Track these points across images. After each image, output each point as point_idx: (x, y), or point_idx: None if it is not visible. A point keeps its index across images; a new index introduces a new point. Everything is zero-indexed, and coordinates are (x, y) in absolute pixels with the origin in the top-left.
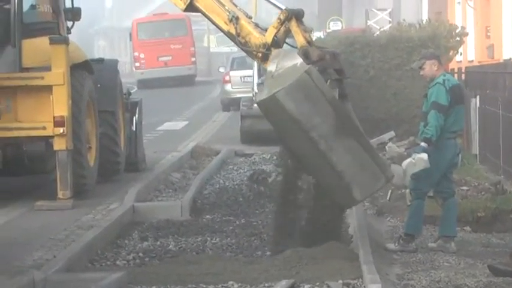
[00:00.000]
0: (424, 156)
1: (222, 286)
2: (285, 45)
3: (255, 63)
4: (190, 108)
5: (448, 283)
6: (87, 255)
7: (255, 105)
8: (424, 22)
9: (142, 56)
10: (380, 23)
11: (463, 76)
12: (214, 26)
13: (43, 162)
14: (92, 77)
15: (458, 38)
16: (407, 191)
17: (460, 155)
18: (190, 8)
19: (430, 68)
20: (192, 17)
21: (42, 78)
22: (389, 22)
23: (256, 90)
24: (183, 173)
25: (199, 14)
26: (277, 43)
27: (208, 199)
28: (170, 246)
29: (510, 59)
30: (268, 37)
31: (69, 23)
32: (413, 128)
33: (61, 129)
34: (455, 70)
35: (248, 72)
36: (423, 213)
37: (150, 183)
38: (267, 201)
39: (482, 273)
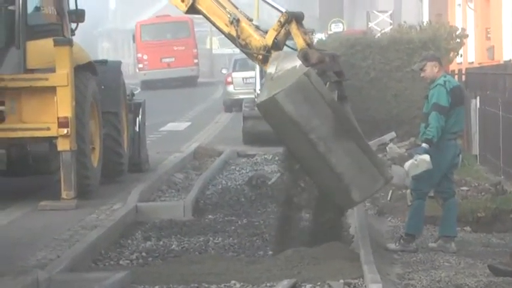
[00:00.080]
0: (427, 157)
1: (225, 286)
2: (285, 47)
3: (257, 65)
4: (193, 109)
5: (449, 283)
6: (90, 255)
7: None
8: (424, 24)
9: (145, 57)
10: (381, 25)
11: (463, 77)
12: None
13: (47, 163)
14: (96, 78)
15: (458, 40)
16: (408, 191)
17: (460, 156)
18: (192, 10)
19: (431, 69)
20: (194, 19)
21: (47, 79)
22: (390, 24)
23: (258, 91)
24: (186, 174)
25: (202, 16)
26: (277, 45)
27: (210, 199)
28: (173, 246)
29: (510, 60)
30: (269, 39)
31: (73, 25)
32: (413, 129)
33: (65, 130)
34: (456, 72)
35: (250, 73)
36: (424, 214)
37: (153, 184)
38: (268, 202)
39: (482, 273)
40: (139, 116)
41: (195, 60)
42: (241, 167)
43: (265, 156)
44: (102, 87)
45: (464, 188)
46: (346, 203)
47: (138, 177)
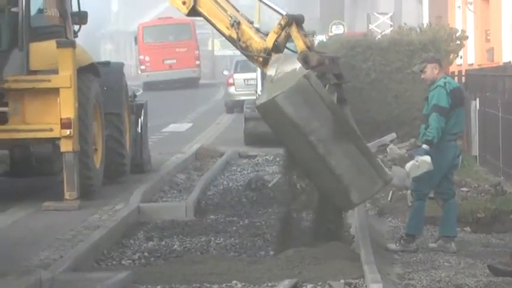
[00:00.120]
0: (428, 158)
1: (226, 285)
2: (285, 49)
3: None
4: (194, 111)
5: (449, 283)
6: (93, 255)
7: None
8: (424, 26)
9: (147, 58)
10: (381, 26)
11: (463, 79)
12: None
13: (50, 164)
14: (98, 80)
15: (458, 42)
16: (409, 192)
17: (460, 157)
18: (193, 12)
19: (431, 71)
20: (196, 21)
21: (50, 81)
22: (391, 26)
23: (259, 92)
24: (188, 174)
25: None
26: (277, 48)
27: (212, 200)
28: (175, 246)
29: (510, 62)
30: (269, 42)
31: (76, 27)
32: (414, 130)
33: (68, 131)
34: (456, 73)
35: (252, 75)
36: (424, 214)
37: (155, 184)
38: (269, 203)
39: (482, 273)
40: (142, 117)
41: (197, 62)
42: (242, 167)
43: (267, 157)
44: (105, 88)
45: (464, 189)
46: (345, 205)
47: (140, 178)
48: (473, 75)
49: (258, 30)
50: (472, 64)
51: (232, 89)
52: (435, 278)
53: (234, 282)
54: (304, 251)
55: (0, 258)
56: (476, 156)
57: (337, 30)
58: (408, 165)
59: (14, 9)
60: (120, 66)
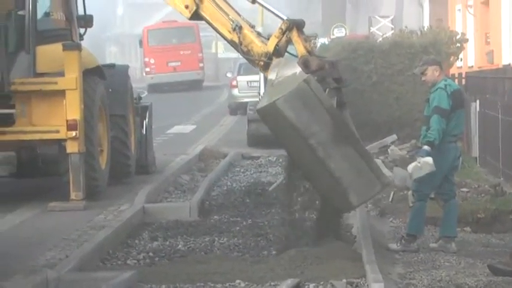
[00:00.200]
0: (430, 160)
1: (230, 285)
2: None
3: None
4: (198, 112)
5: (449, 282)
6: (98, 255)
7: None
8: (425, 29)
9: (152, 61)
10: (383, 29)
11: (463, 81)
12: None
13: (56, 165)
14: (104, 82)
15: (458, 44)
16: (410, 192)
17: (460, 158)
18: (196, 16)
19: (431, 73)
20: (200, 24)
21: (56, 83)
22: (392, 29)
23: (262, 94)
24: (192, 175)
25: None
26: (278, 52)
27: (216, 200)
28: (179, 246)
29: (509, 64)
30: (270, 46)
31: (82, 30)
32: (415, 132)
33: (74, 133)
34: (456, 75)
35: (255, 77)
36: (425, 215)
37: (160, 185)
38: (272, 203)
39: (482, 273)
40: (146, 119)
41: (201, 64)
42: (245, 168)
43: (269, 158)
44: (110, 90)
45: (465, 190)
46: (344, 207)
47: (145, 179)
48: (473, 77)
49: (259, 34)
50: (472, 66)
51: (235, 91)
52: (436, 278)
53: (238, 281)
54: (307, 251)
55: (7, 258)
56: (476, 158)
57: (339, 33)
58: (410, 166)
59: (20, 13)
60: (125, 68)
